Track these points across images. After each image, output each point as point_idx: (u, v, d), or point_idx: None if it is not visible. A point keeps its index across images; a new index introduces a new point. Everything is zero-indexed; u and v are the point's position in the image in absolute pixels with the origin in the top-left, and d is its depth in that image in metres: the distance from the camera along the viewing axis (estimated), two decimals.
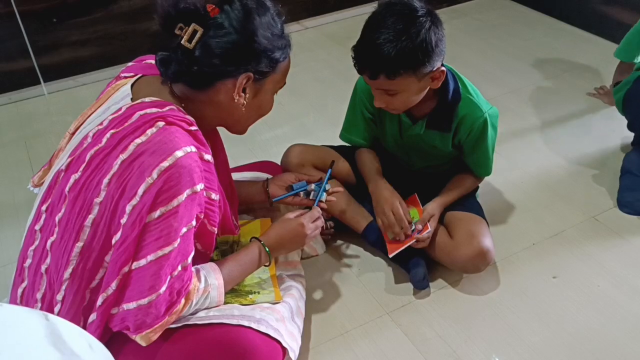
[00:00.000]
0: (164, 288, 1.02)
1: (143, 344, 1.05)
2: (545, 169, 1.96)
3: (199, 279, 1.12)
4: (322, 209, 1.41)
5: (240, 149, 2.09)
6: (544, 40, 2.77)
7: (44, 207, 1.09)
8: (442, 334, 1.41)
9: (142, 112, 1.03)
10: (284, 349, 1.18)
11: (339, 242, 1.69)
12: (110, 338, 1.09)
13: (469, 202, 1.59)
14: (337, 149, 1.71)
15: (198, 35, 1.03)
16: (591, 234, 1.69)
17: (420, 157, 1.60)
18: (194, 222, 1.05)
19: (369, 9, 2.91)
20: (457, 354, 1.36)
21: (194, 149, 1.02)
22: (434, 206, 1.53)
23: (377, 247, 1.62)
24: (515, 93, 2.38)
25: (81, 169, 1.04)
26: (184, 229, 1.02)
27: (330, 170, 1.50)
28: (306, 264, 1.59)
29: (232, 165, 1.72)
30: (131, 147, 1.00)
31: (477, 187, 1.68)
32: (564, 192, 1.85)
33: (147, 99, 1.07)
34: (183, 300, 1.07)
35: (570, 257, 1.61)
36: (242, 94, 1.09)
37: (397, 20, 1.26)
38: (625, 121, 1.97)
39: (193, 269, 1.11)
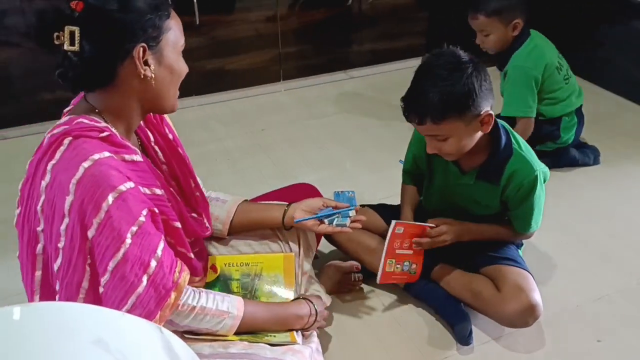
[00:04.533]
0: (141, 288, 1.02)
1: None
2: (588, 231, 1.96)
3: (222, 301, 1.17)
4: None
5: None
6: (585, 106, 2.79)
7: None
8: None
9: (50, 134, 1.05)
10: None
11: (381, 288, 1.69)
12: None
13: (514, 257, 1.58)
14: (375, 207, 1.75)
15: (77, 34, 1.01)
16: (636, 299, 1.67)
17: (460, 215, 1.59)
18: (142, 219, 1.04)
19: (412, 63, 3.02)
20: None
21: (106, 154, 1.02)
22: (455, 221, 1.55)
23: (420, 298, 1.63)
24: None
25: (18, 202, 1.08)
26: (133, 228, 1.02)
27: (354, 199, 1.48)
28: (349, 307, 1.61)
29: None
30: (48, 171, 1.02)
31: (521, 244, 1.69)
32: (607, 255, 1.85)
33: (60, 121, 1.08)
34: (173, 294, 1.07)
35: (614, 322, 1.60)
36: (147, 67, 1.07)
37: (442, 68, 1.34)
38: None
39: (221, 293, 1.16)
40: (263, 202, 1.55)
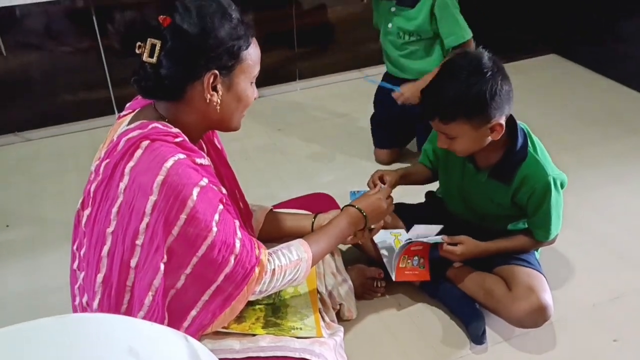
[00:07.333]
0: (229, 267, 1.09)
1: (232, 316, 1.14)
2: (605, 230, 1.95)
3: (290, 252, 1.20)
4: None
5: (302, 189, 2.15)
6: (604, 102, 2.79)
7: (75, 247, 1.18)
8: None
9: (126, 137, 1.09)
10: None
11: (397, 287, 1.71)
12: None
13: (528, 258, 1.59)
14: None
15: (158, 47, 1.05)
16: None
17: (476, 211, 1.63)
18: (220, 207, 1.10)
19: None
20: None
21: (182, 156, 1.07)
22: (471, 239, 1.55)
23: (436, 297, 1.65)
24: (574, 152, 2.40)
25: (89, 203, 1.11)
26: (216, 216, 1.08)
27: None
28: (365, 305, 1.63)
29: (287, 198, 1.80)
30: (126, 173, 1.06)
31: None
32: (625, 255, 1.84)
33: (132, 125, 1.12)
34: (257, 269, 1.13)
35: (631, 322, 1.60)
36: (214, 93, 1.11)
37: (463, 68, 1.35)
38: None
39: (285, 245, 1.21)
40: (287, 210, 1.59)
